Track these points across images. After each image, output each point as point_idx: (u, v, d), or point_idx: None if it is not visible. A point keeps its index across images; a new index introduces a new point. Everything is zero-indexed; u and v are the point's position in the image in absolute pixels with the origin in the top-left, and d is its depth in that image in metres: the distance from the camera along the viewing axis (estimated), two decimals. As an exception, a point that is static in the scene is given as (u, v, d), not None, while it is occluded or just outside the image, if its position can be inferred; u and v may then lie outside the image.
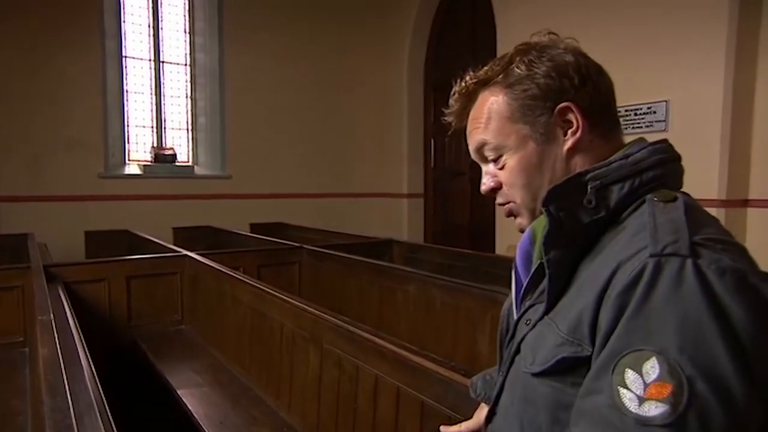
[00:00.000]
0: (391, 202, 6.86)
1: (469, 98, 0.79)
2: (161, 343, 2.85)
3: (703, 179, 3.64)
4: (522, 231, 0.79)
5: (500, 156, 0.76)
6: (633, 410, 0.52)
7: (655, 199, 0.66)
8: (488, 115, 0.76)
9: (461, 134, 0.82)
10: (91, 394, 1.28)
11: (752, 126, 3.62)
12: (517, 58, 0.75)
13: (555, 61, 0.73)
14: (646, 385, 0.51)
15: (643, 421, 0.51)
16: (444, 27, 6.38)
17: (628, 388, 0.52)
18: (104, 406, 1.23)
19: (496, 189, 0.79)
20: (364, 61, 6.93)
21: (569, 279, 0.68)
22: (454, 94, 0.81)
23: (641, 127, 3.99)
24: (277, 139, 6.44)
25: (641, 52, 3.95)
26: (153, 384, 2.52)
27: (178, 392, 2.24)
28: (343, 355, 1.68)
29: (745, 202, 3.67)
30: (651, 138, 0.75)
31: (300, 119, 6.58)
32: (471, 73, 0.80)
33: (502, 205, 0.79)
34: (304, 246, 3.57)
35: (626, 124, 4.08)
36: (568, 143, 0.72)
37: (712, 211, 3.61)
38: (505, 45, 4.88)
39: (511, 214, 0.79)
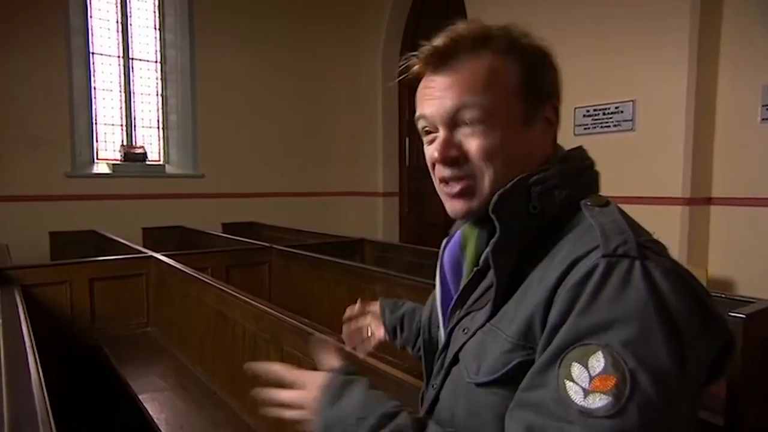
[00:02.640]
0: (367, 201, 6.85)
1: (471, 50, 0.70)
2: (125, 347, 2.79)
3: (667, 178, 3.72)
4: (457, 217, 0.75)
5: (483, 124, 0.68)
6: (578, 402, 0.53)
7: (589, 203, 0.67)
8: (491, 78, 0.68)
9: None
10: (36, 404, 1.24)
11: (714, 124, 3.71)
12: (522, 35, 0.73)
13: (553, 59, 0.74)
14: (591, 378, 0.53)
15: (587, 413, 0.52)
16: (418, 25, 6.37)
17: (574, 381, 0.54)
18: (48, 415, 1.19)
19: (458, 160, 0.70)
20: (339, 58, 6.89)
21: (511, 285, 0.67)
22: (455, 34, 0.71)
23: (609, 126, 4.05)
24: (251, 138, 6.36)
25: (609, 52, 4.01)
26: (116, 389, 2.47)
27: (140, 397, 2.19)
28: (302, 357, 1.66)
29: (709, 200, 3.76)
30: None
31: (274, 117, 6.51)
32: (468, 23, 0.73)
33: (455, 180, 0.71)
34: (274, 246, 3.54)
35: (595, 124, 4.15)
36: (539, 139, 0.72)
37: (677, 209, 3.71)
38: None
39: (463, 194, 0.71)
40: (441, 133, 0.71)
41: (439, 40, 0.70)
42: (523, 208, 0.67)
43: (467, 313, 0.72)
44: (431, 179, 0.76)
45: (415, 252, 3.59)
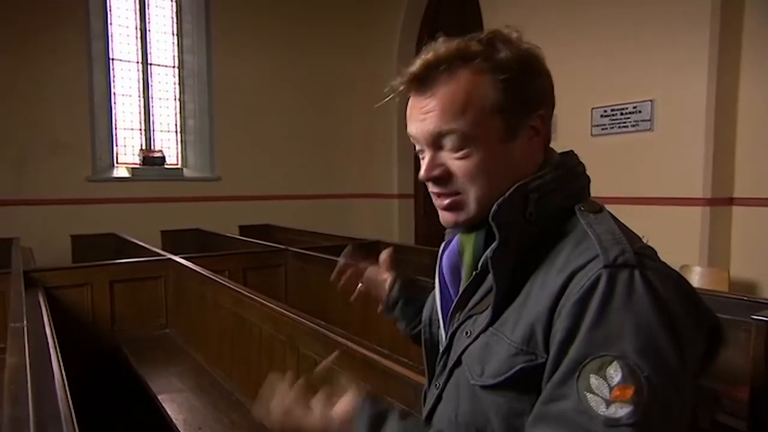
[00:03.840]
0: (382, 203, 6.85)
1: (447, 71, 0.69)
2: (145, 348, 2.84)
3: (688, 178, 3.66)
4: (448, 226, 0.77)
5: (464, 148, 0.69)
6: (601, 413, 0.55)
7: (583, 209, 0.69)
8: (467, 101, 0.68)
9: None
10: (59, 403, 1.27)
11: (736, 124, 3.63)
12: (503, 47, 0.70)
13: (540, 63, 0.72)
14: (610, 389, 0.55)
15: (611, 423, 0.54)
16: (433, 27, 6.37)
17: (594, 393, 0.56)
18: (71, 415, 1.21)
19: (443, 178, 0.72)
20: (354, 61, 6.91)
21: (511, 289, 0.68)
22: (431, 56, 0.70)
23: (627, 126, 4.00)
24: (267, 141, 6.42)
25: (627, 52, 3.96)
26: (135, 389, 2.51)
27: (159, 398, 2.23)
28: (318, 359, 1.68)
29: (730, 201, 3.68)
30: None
31: (289, 120, 6.56)
32: (446, 41, 0.71)
33: (443, 195, 0.73)
34: (290, 248, 3.56)
35: (613, 124, 4.09)
36: (525, 149, 0.72)
37: (698, 209, 3.64)
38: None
39: (451, 208, 0.73)
40: (426, 154, 0.74)
41: (415, 65, 0.71)
42: (520, 215, 0.68)
43: (469, 317, 0.73)
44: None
45: (432, 254, 3.55)
